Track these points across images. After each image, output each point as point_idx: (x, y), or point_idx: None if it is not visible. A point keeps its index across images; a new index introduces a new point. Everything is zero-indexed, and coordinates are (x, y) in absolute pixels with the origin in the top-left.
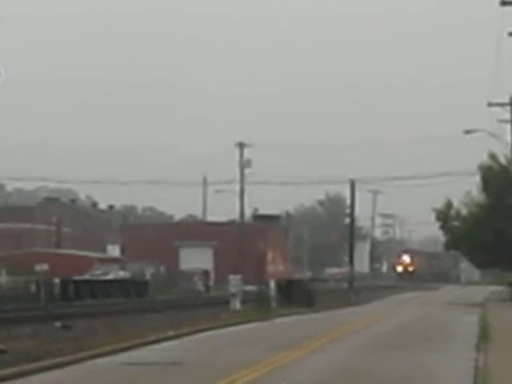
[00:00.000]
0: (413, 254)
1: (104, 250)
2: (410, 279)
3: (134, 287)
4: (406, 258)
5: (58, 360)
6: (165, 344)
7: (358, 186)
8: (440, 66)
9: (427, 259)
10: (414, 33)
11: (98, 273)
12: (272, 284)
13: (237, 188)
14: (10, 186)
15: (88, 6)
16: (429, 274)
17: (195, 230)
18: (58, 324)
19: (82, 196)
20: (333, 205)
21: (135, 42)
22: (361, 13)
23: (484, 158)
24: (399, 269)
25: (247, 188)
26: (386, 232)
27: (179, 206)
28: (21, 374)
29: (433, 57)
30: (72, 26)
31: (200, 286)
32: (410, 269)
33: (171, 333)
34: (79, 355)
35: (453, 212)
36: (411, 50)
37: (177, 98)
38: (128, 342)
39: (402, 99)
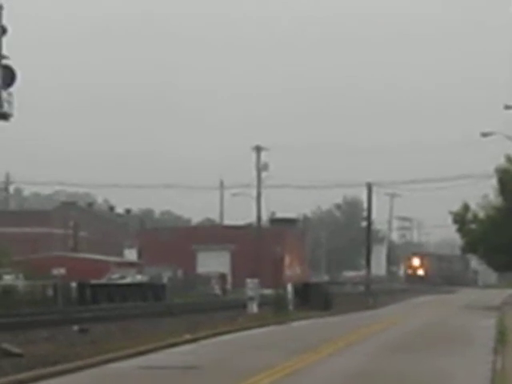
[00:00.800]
0: (423, 256)
1: (121, 254)
2: (419, 282)
3: (151, 291)
4: (416, 261)
5: (75, 364)
6: (182, 348)
7: (375, 189)
8: (457, 68)
9: (437, 262)
10: (429, 34)
11: (115, 277)
12: (289, 287)
13: (254, 191)
14: (27, 191)
15: (88, 8)
16: (439, 276)
17: (212, 234)
18: (75, 328)
19: (99, 200)
20: (350, 208)
21: (141, 44)
22: (393, 13)
23: (501, 161)
24: (409, 272)
25: (264, 191)
26: (403, 235)
27: (196, 209)
28: (37, 378)
29: (450, 59)
30: (72, 28)
31: (217, 290)
32: (420, 272)
33: (188, 336)
34: (96, 359)
35: (470, 215)
36: (428, 52)
37: (193, 101)
38: (145, 346)
39: (420, 102)
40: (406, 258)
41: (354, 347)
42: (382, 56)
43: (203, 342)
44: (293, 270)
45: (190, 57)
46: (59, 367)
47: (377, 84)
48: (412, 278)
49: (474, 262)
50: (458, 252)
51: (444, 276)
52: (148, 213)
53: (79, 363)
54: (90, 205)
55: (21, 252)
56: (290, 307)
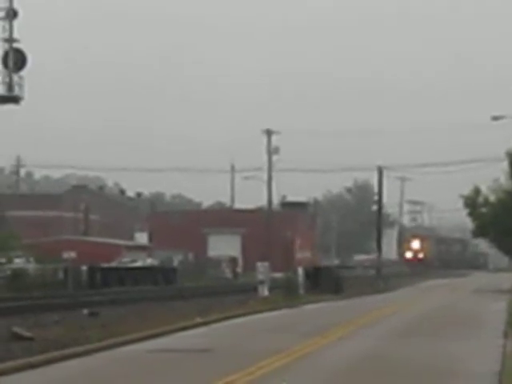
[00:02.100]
0: (422, 239)
1: (132, 238)
2: (418, 266)
3: (161, 274)
4: (416, 244)
5: (85, 347)
6: (193, 331)
7: (385, 173)
8: (469, 51)
9: (436, 244)
10: (443, 13)
11: (125, 260)
12: (300, 271)
13: (265, 175)
14: (37, 174)
15: None
16: (437, 259)
17: (223, 217)
18: (85, 311)
19: (110, 183)
20: (361, 192)
21: (150, 27)
22: None
23: None
24: (408, 255)
25: (275, 175)
26: (414, 219)
27: (207, 193)
28: (48, 361)
29: (459, 40)
30: (77, 11)
31: (228, 273)
32: (420, 255)
33: (199, 320)
34: (106, 342)
35: (481, 199)
36: (437, 34)
37: (203, 85)
38: (156, 329)
39: (429, 86)
40: (405, 241)
41: (365, 331)
42: (392, 39)
43: (214, 326)
44: (303, 253)
45: (202, 40)
46: (69, 350)
47: (387, 67)
48: (410, 261)
49: (485, 246)
50: (469, 235)
51: (442, 259)
52: (159, 196)
53: (89, 347)
54: (101, 188)
55: (31, 235)
56: (301, 291)
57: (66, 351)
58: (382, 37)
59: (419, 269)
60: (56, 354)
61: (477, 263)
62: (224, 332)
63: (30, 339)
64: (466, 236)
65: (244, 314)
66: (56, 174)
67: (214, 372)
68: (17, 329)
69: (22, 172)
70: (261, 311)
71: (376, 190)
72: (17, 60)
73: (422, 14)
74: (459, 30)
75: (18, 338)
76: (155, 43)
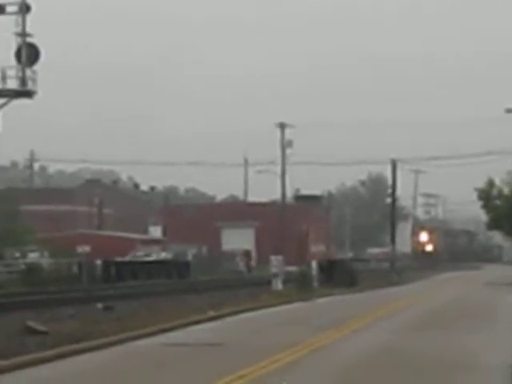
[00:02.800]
0: (430, 231)
1: (146, 232)
2: (426, 259)
3: (175, 268)
4: (424, 236)
5: (100, 341)
6: (206, 325)
7: (399, 165)
8: (481, 44)
9: (444, 237)
10: (458, 8)
11: (139, 254)
12: (314, 264)
13: (278, 168)
14: (51, 168)
15: None
16: (445, 252)
17: (237, 211)
18: (99, 305)
19: (124, 177)
20: (374, 185)
21: (152, 28)
22: None
23: None
24: (417, 247)
25: (288, 168)
26: (428, 212)
27: (221, 186)
28: (62, 356)
29: (474, 33)
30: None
31: (242, 267)
32: (429, 248)
33: (212, 313)
34: (121, 336)
35: (495, 191)
36: (453, 26)
37: (216, 78)
38: (169, 323)
39: (443, 78)
40: (414, 233)
41: (379, 324)
42: (405, 30)
43: (227, 319)
44: (317, 246)
45: (216, 34)
46: (84, 345)
47: (402, 60)
48: (419, 254)
49: (499, 238)
50: (483, 228)
51: (450, 252)
52: (172, 190)
53: (104, 340)
54: (115, 182)
55: (46, 230)
56: (315, 284)
57: (80, 345)
58: (395, 28)
59: (427, 262)
60: (70, 347)
61: (490, 256)
62: (237, 326)
63: (45, 333)
64: (480, 229)
65: (257, 308)
66: (70, 168)
67: (226, 366)
68: (31, 323)
69: (36, 166)
70: (274, 305)
71: (390, 182)
72: (30, 54)
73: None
74: (475, 18)
75: (33, 332)
76: (156, 43)
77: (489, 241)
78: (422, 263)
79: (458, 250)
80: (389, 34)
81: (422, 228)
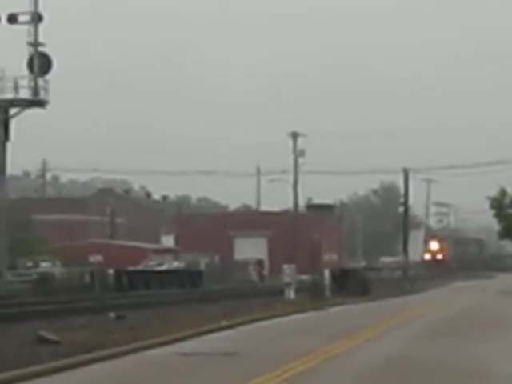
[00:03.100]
0: (440, 239)
1: (158, 241)
2: (437, 268)
3: (188, 277)
4: (434, 245)
5: (112, 351)
6: (219, 334)
7: (411, 174)
8: (497, 53)
9: (454, 246)
10: (472, 13)
11: (152, 263)
12: (326, 273)
13: (291, 178)
14: (64, 178)
15: None
16: (455, 261)
17: (249, 220)
18: (111, 315)
19: (136, 187)
20: (387, 194)
21: (152, 28)
22: None
23: None
24: (427, 257)
25: (301, 178)
26: (441, 221)
27: (233, 195)
28: (75, 365)
29: (486, 41)
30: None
31: (254, 276)
32: (439, 256)
33: (225, 323)
34: (133, 346)
35: (507, 200)
36: (465, 36)
37: (229, 87)
38: (182, 333)
39: (455, 86)
40: (424, 242)
41: (392, 332)
42: (425, 38)
43: (240, 329)
44: (330, 255)
45: (241, 44)
46: (96, 354)
47: (415, 68)
48: (429, 263)
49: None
50: (495, 237)
51: (460, 260)
52: (185, 199)
53: (116, 350)
54: (127, 191)
55: (58, 239)
56: (327, 293)
57: (93, 355)
58: (407, 34)
59: (438, 271)
60: (82, 357)
61: (502, 265)
62: (250, 335)
63: (57, 343)
64: (492, 238)
65: (270, 317)
66: (82, 177)
67: (239, 375)
68: (43, 332)
69: (48, 176)
70: (287, 314)
71: (402, 191)
72: (42, 64)
73: (423, 13)
74: (486, 29)
75: (45, 341)
76: (156, 43)
77: (501, 250)
78: (433, 272)
79: (467, 259)
80: (403, 43)
81: (433, 237)
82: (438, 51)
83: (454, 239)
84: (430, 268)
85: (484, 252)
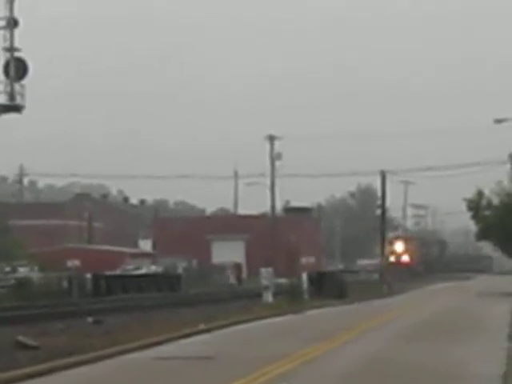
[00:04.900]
0: (406, 240)
1: (136, 245)
2: (400, 271)
3: (166, 281)
4: (400, 246)
5: (90, 355)
6: (197, 338)
7: (388, 177)
8: (469, 53)
9: (420, 247)
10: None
11: (129, 268)
12: (304, 276)
13: (268, 181)
14: (41, 183)
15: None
16: (422, 263)
17: (227, 224)
18: (89, 319)
19: (114, 191)
20: (364, 196)
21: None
22: None
23: None
24: (391, 259)
25: (278, 181)
26: (418, 223)
27: (210, 199)
28: (53, 370)
29: (463, 45)
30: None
31: (232, 279)
32: (405, 258)
33: (203, 327)
34: (111, 350)
35: (484, 201)
36: (439, 36)
37: (205, 91)
38: (160, 337)
39: (431, 88)
40: (388, 243)
41: (369, 335)
42: (391, 39)
43: (218, 332)
44: (308, 258)
45: (206, 45)
46: (74, 358)
47: (388, 70)
48: (393, 265)
49: (489, 249)
50: (472, 239)
51: (423, 262)
52: (162, 203)
53: (94, 354)
54: (105, 196)
55: (35, 244)
56: (305, 296)
57: (71, 359)
58: (381, 37)
59: (403, 274)
60: (61, 362)
61: (479, 266)
62: (228, 338)
63: (35, 348)
64: (470, 239)
65: (248, 320)
66: (60, 182)
67: (216, 379)
68: (21, 338)
69: (26, 181)
70: (265, 317)
71: (379, 194)
72: (18, 69)
73: (422, 13)
74: (464, 30)
75: (23, 346)
76: (155, 44)
77: (478, 251)
78: (401, 275)
79: (429, 261)
80: (376, 45)
81: (397, 237)
82: (421, 53)
83: (420, 240)
84: (395, 271)
85: (446, 253)
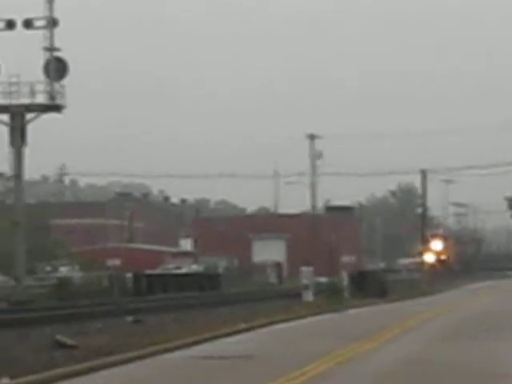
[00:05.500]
0: (444, 239)
1: (177, 244)
2: (438, 270)
3: (206, 281)
4: (438, 245)
5: (129, 354)
6: (237, 337)
7: (430, 175)
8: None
9: (455, 245)
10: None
11: (170, 267)
12: (344, 275)
13: (308, 180)
14: (82, 182)
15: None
16: (458, 262)
17: (268, 223)
18: (129, 319)
19: (155, 190)
20: (405, 195)
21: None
22: None
23: None
24: (429, 258)
25: (319, 179)
26: (459, 222)
27: (251, 198)
28: (91, 369)
29: (501, 42)
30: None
31: (273, 278)
32: (443, 257)
33: (243, 325)
34: (150, 349)
35: None
36: (483, 34)
37: (246, 90)
38: (200, 336)
39: (474, 86)
40: (425, 241)
41: (410, 334)
42: (439, 38)
43: (258, 331)
44: (348, 257)
45: (256, 47)
46: (113, 358)
47: (430, 67)
48: (431, 264)
49: None
50: None
51: (460, 260)
52: (203, 202)
53: (133, 354)
54: (145, 195)
55: (77, 243)
56: (346, 295)
57: (109, 359)
58: (414, 34)
59: (441, 273)
60: (99, 361)
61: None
62: (267, 337)
63: (74, 347)
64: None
65: (288, 319)
66: (101, 181)
67: (255, 378)
68: (60, 337)
69: (67, 180)
70: (305, 316)
71: (420, 192)
72: (58, 69)
73: (447, 12)
74: (496, 27)
75: (62, 346)
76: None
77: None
78: (439, 274)
79: (466, 259)
80: (419, 42)
81: (434, 236)
82: (450, 50)
83: (455, 238)
84: (434, 270)
85: (482, 252)
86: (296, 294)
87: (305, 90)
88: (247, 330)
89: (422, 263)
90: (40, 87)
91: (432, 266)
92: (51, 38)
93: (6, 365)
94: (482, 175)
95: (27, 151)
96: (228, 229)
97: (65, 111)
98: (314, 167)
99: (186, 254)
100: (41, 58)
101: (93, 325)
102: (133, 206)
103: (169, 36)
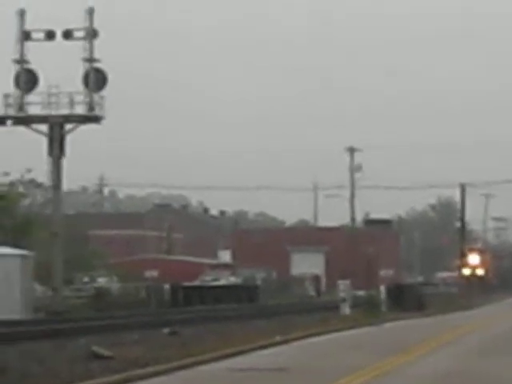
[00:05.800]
0: (482, 252)
1: (215, 256)
2: (476, 284)
3: (244, 293)
4: (475, 258)
5: (165, 366)
6: (272, 349)
7: (469, 189)
8: None
9: (493, 259)
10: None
11: (208, 278)
12: (382, 289)
13: (347, 192)
14: (121, 193)
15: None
16: (495, 276)
17: (306, 235)
18: (165, 330)
19: (194, 202)
20: (444, 208)
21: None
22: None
23: None
24: (466, 272)
25: (358, 192)
26: (498, 236)
27: (290, 211)
28: (127, 380)
29: None
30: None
31: (311, 291)
32: (480, 271)
33: (279, 338)
34: (185, 361)
35: None
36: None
37: (286, 102)
38: (235, 348)
39: (509, 97)
40: (461, 255)
41: (446, 348)
42: (483, 56)
43: (294, 344)
44: (386, 271)
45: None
46: (149, 370)
47: (469, 80)
48: (468, 279)
49: None
50: None
51: (497, 275)
52: (242, 214)
53: (168, 365)
54: (185, 207)
55: (115, 254)
56: (383, 308)
57: (145, 370)
58: (454, 51)
59: (479, 287)
60: (135, 373)
61: None
62: (303, 350)
63: (110, 358)
64: None
65: (325, 332)
66: (140, 192)
67: None
68: (96, 348)
69: (106, 191)
70: (342, 329)
71: (459, 206)
72: (97, 80)
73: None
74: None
75: (98, 356)
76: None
77: None
78: (479, 288)
79: (503, 274)
80: (461, 57)
81: (471, 249)
82: (495, 65)
83: (494, 252)
84: (472, 284)
85: None
86: (333, 307)
87: (343, 102)
88: (283, 342)
89: (460, 277)
90: (79, 98)
91: (468, 279)
92: (91, 48)
93: (41, 376)
94: None
95: (66, 162)
96: (267, 241)
97: (105, 122)
98: (353, 180)
99: (224, 265)
100: (80, 69)
101: (129, 336)
102: (172, 217)
103: (207, 51)
